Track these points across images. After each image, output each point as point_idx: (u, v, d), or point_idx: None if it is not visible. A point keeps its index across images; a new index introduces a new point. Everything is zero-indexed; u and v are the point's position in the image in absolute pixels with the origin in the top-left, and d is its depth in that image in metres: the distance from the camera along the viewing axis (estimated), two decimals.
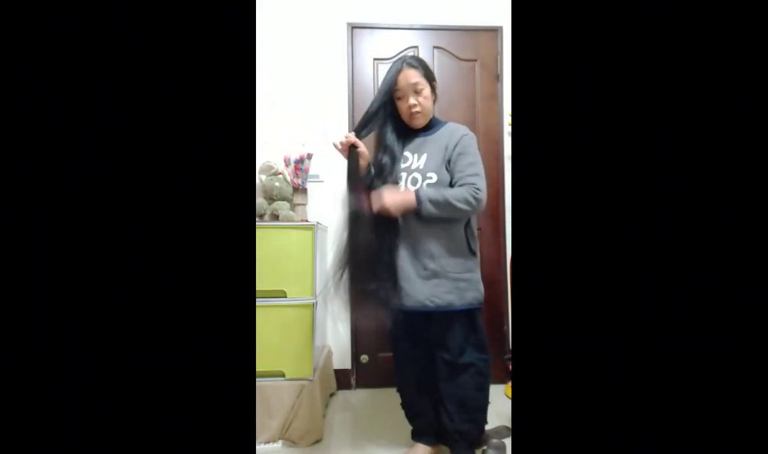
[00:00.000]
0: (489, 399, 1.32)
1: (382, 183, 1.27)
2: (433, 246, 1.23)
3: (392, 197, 1.20)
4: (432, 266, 1.23)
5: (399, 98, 1.27)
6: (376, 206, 1.20)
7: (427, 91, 1.27)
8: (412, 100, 1.26)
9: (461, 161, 1.24)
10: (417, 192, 1.21)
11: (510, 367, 1.98)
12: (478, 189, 1.19)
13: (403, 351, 1.38)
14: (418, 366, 1.35)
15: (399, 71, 1.25)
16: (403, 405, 1.43)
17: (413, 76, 1.25)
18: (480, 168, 1.24)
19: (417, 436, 1.41)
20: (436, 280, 1.22)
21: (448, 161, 1.25)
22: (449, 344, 1.25)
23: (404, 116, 1.30)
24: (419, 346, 1.33)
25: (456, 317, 1.24)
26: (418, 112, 1.27)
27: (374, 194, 1.22)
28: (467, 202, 1.18)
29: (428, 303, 1.22)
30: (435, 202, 1.18)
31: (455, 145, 1.25)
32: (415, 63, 1.28)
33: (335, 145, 1.32)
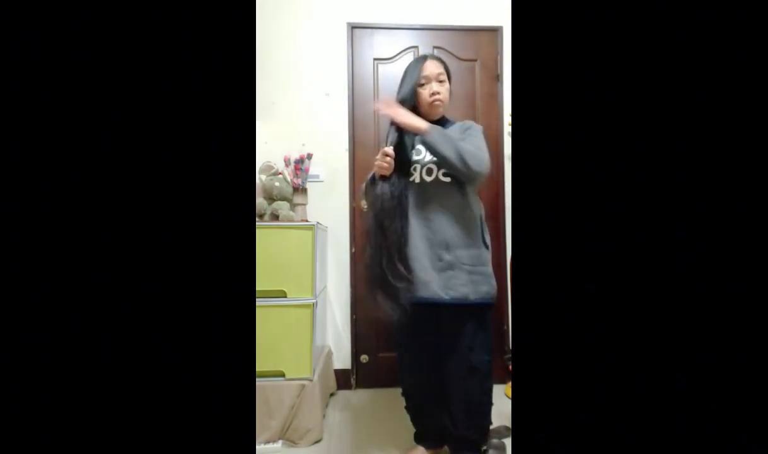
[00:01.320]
0: (493, 401, 1.31)
1: (393, 175, 1.26)
2: (449, 236, 1.22)
3: (406, 113, 1.21)
4: (448, 257, 1.21)
5: (422, 85, 1.29)
6: (384, 110, 1.23)
7: (447, 84, 1.32)
8: (435, 87, 1.28)
9: (469, 139, 1.24)
10: (431, 125, 1.20)
11: (510, 367, 1.98)
12: (483, 156, 1.20)
13: (408, 353, 1.35)
14: (423, 368, 1.32)
15: (424, 61, 1.30)
16: (408, 408, 1.41)
17: (437, 66, 1.30)
18: (485, 148, 1.24)
19: (419, 439, 1.40)
20: (451, 271, 1.21)
21: None
22: (458, 341, 1.23)
23: (424, 105, 1.29)
24: (426, 346, 1.30)
25: (469, 312, 1.22)
26: (440, 101, 1.29)
27: (388, 105, 1.24)
28: (473, 157, 1.16)
29: (444, 295, 1.20)
30: (444, 135, 1.17)
31: (464, 131, 1.28)
32: (436, 56, 1.35)
33: (386, 154, 1.24)
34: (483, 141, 1.26)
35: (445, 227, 1.23)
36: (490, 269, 1.27)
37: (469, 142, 1.22)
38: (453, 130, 1.29)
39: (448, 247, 1.22)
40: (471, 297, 1.21)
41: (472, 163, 1.15)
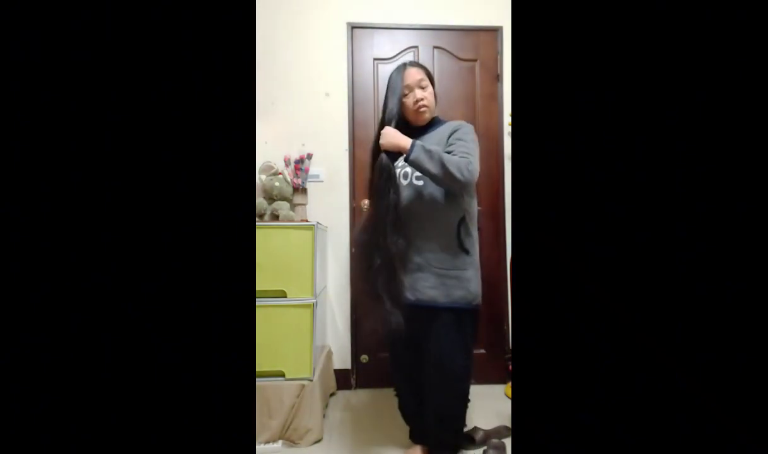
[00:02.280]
0: (468, 402, 1.30)
1: (382, 183, 1.26)
2: (420, 240, 1.23)
3: (390, 134, 1.22)
4: (417, 259, 1.23)
5: (405, 95, 1.30)
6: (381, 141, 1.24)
7: (430, 88, 1.32)
8: (419, 94, 1.29)
9: (457, 144, 1.22)
10: (414, 140, 1.19)
11: (510, 367, 1.98)
12: (470, 163, 1.16)
13: (396, 351, 1.38)
14: (410, 367, 1.34)
15: (404, 70, 1.31)
16: (400, 406, 1.43)
17: (417, 73, 1.31)
18: (474, 151, 1.21)
19: (415, 437, 1.41)
20: (420, 273, 1.22)
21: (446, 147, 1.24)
22: (430, 344, 1.23)
23: (410, 113, 1.31)
24: (409, 346, 1.32)
25: (441, 315, 1.21)
26: (425, 106, 1.29)
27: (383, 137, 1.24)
28: (458, 169, 1.13)
29: (409, 296, 1.21)
30: (428, 152, 1.15)
31: (452, 132, 1.26)
32: (416, 63, 1.37)
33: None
34: (473, 142, 1.24)
35: (417, 230, 1.24)
36: (469, 273, 1.24)
37: (457, 149, 1.20)
38: (442, 132, 1.29)
39: (418, 250, 1.23)
40: (440, 300, 1.20)
41: (458, 174, 1.13)
